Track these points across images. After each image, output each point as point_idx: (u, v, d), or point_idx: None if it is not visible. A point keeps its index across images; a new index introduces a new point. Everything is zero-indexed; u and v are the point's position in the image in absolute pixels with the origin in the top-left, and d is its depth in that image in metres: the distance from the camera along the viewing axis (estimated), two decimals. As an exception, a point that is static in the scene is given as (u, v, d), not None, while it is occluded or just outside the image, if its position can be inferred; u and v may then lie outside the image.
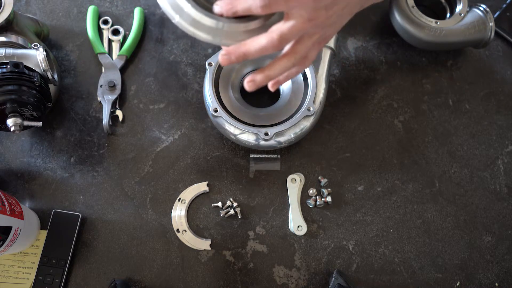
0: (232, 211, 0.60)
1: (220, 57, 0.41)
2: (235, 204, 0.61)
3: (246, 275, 0.59)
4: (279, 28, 0.39)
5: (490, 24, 0.65)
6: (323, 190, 0.62)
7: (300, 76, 0.61)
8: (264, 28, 0.41)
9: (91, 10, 0.69)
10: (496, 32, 0.71)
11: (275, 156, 0.63)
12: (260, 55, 0.40)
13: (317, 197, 0.62)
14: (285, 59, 0.42)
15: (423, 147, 0.66)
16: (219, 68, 0.61)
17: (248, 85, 0.43)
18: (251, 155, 0.63)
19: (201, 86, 0.67)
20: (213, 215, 0.61)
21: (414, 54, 0.71)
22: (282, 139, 0.58)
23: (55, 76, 0.58)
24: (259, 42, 0.39)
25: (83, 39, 0.69)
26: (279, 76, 0.44)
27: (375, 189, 0.63)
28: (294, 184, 0.62)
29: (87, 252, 0.59)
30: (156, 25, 0.71)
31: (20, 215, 0.52)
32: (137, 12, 0.70)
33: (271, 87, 0.46)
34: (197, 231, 0.60)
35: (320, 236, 0.61)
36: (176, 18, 0.40)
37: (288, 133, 0.58)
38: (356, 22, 0.72)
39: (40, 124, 0.56)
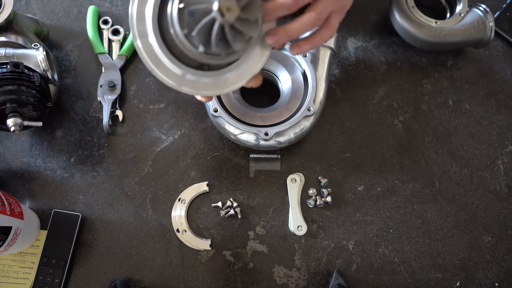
0: (232, 211, 0.60)
1: (268, 41, 0.41)
2: (235, 204, 0.61)
3: (246, 275, 0.59)
4: None
5: (490, 24, 0.65)
6: (323, 190, 0.62)
7: (300, 76, 0.61)
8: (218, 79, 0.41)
9: (91, 10, 0.69)
10: (496, 32, 0.71)
11: (275, 156, 0.63)
12: (281, 15, 0.41)
13: (317, 197, 0.62)
14: (326, 30, 0.45)
15: (423, 147, 0.66)
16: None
17: (294, 51, 0.45)
18: (251, 155, 0.63)
19: (201, 86, 0.67)
20: (213, 215, 0.61)
21: (414, 54, 0.71)
22: (282, 139, 0.58)
23: (55, 76, 0.58)
24: (280, 2, 0.40)
25: (83, 39, 0.69)
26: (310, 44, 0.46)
27: (375, 189, 0.63)
28: (294, 184, 0.62)
29: (87, 252, 0.59)
30: (156, 25, 0.71)
31: (20, 215, 0.52)
32: (137, 12, 0.70)
33: (294, 51, 0.47)
34: (197, 231, 0.60)
35: (320, 236, 0.61)
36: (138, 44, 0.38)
37: (288, 133, 0.58)
38: (356, 22, 0.72)
39: (40, 124, 0.56)
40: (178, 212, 0.60)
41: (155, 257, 0.59)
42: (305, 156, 0.64)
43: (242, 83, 0.42)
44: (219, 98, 0.60)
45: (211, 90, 0.41)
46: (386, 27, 0.71)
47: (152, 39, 0.37)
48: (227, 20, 0.34)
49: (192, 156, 0.64)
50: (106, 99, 0.64)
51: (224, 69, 0.41)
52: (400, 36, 0.68)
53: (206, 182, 0.62)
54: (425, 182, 0.64)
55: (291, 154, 0.64)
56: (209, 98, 0.49)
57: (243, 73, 0.42)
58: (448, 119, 0.67)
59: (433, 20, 0.65)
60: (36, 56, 0.55)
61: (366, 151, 0.65)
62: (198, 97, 0.48)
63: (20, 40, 0.58)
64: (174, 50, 0.38)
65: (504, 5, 0.74)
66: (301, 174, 0.63)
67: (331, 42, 0.62)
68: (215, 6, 0.33)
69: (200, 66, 0.40)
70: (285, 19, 0.45)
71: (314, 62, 0.61)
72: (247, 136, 0.58)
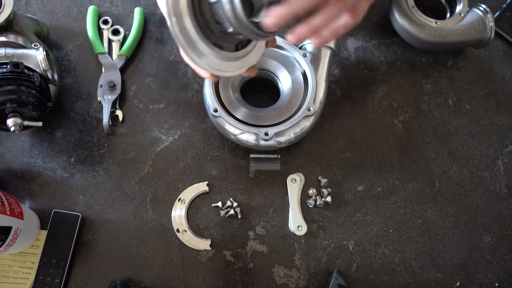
0: (232, 211, 0.60)
1: (267, 21, 0.37)
2: (235, 204, 0.61)
3: (246, 275, 0.59)
4: None
5: (490, 24, 0.65)
6: (323, 190, 0.62)
7: (300, 76, 0.61)
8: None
9: (91, 10, 0.69)
10: (496, 32, 0.71)
11: (275, 156, 0.63)
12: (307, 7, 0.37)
13: (317, 197, 0.62)
14: (332, 5, 0.37)
15: (423, 147, 0.66)
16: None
17: (290, 37, 0.40)
18: (251, 155, 0.63)
19: (201, 86, 0.67)
20: (213, 215, 0.61)
21: (414, 54, 0.71)
22: (282, 139, 0.58)
23: (55, 76, 0.58)
24: None
25: (83, 39, 0.69)
26: (324, 30, 0.39)
27: (375, 189, 0.63)
28: (294, 184, 0.62)
29: (87, 252, 0.59)
30: (156, 25, 0.71)
31: (20, 215, 0.52)
32: (137, 12, 0.70)
33: (316, 44, 0.41)
34: (197, 231, 0.60)
35: (320, 236, 0.61)
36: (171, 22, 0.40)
37: (288, 133, 0.58)
38: (356, 22, 0.72)
39: (40, 124, 0.56)
40: (178, 212, 0.60)
41: (155, 257, 0.59)
42: (305, 156, 0.64)
43: (242, 70, 0.46)
44: (219, 98, 0.60)
45: (215, 69, 0.43)
46: (386, 27, 0.71)
47: (187, 20, 0.39)
48: None
49: (192, 156, 0.64)
50: (106, 99, 0.64)
51: (232, 53, 0.44)
52: (400, 36, 0.68)
53: (206, 182, 0.62)
54: (425, 182, 0.64)
55: (291, 154, 0.64)
56: (215, 78, 0.48)
57: (247, 60, 0.46)
58: (448, 119, 0.67)
59: (433, 20, 0.65)
60: (36, 56, 0.55)
61: (366, 151, 0.65)
62: (202, 72, 0.47)
63: (20, 40, 0.58)
64: (203, 21, 0.40)
65: (504, 5, 0.74)
66: (301, 174, 0.63)
67: (331, 42, 0.62)
68: None
69: (215, 43, 0.42)
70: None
71: (314, 62, 0.61)
72: (247, 136, 0.58)
